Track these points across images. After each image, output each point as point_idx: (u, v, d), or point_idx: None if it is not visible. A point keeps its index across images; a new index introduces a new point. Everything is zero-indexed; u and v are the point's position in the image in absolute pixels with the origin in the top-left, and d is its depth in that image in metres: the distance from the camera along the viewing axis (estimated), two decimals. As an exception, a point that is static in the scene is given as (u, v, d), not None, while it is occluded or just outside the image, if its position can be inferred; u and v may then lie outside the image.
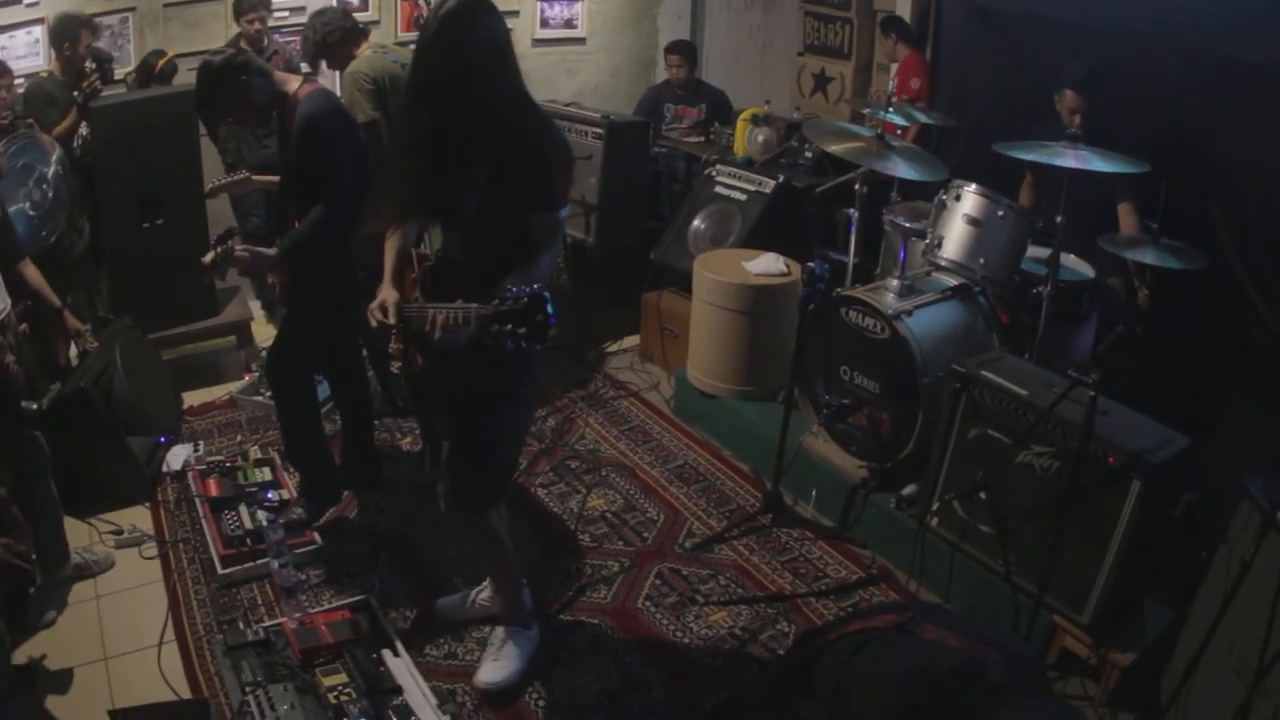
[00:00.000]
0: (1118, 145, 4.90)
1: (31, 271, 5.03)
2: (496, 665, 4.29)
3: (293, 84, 4.65)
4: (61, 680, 4.27)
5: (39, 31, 6.96)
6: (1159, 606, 4.26)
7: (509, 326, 3.21)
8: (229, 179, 5.25)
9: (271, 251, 4.63)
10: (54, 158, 5.77)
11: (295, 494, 5.33)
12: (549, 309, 3.18)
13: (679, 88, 8.66)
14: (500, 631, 4.39)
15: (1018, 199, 6.02)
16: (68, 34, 6.39)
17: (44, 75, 6.64)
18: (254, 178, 5.31)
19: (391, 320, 3.67)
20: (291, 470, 5.52)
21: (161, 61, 6.88)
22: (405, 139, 3.73)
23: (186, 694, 4.19)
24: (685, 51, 8.62)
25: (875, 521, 5.19)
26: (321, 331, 5.00)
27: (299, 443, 5.23)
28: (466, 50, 3.42)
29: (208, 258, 4.53)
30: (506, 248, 3.58)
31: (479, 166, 3.58)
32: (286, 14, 7.77)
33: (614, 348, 7.48)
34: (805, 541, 5.26)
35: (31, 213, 5.64)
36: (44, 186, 5.59)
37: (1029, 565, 4.36)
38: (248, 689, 3.94)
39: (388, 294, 3.75)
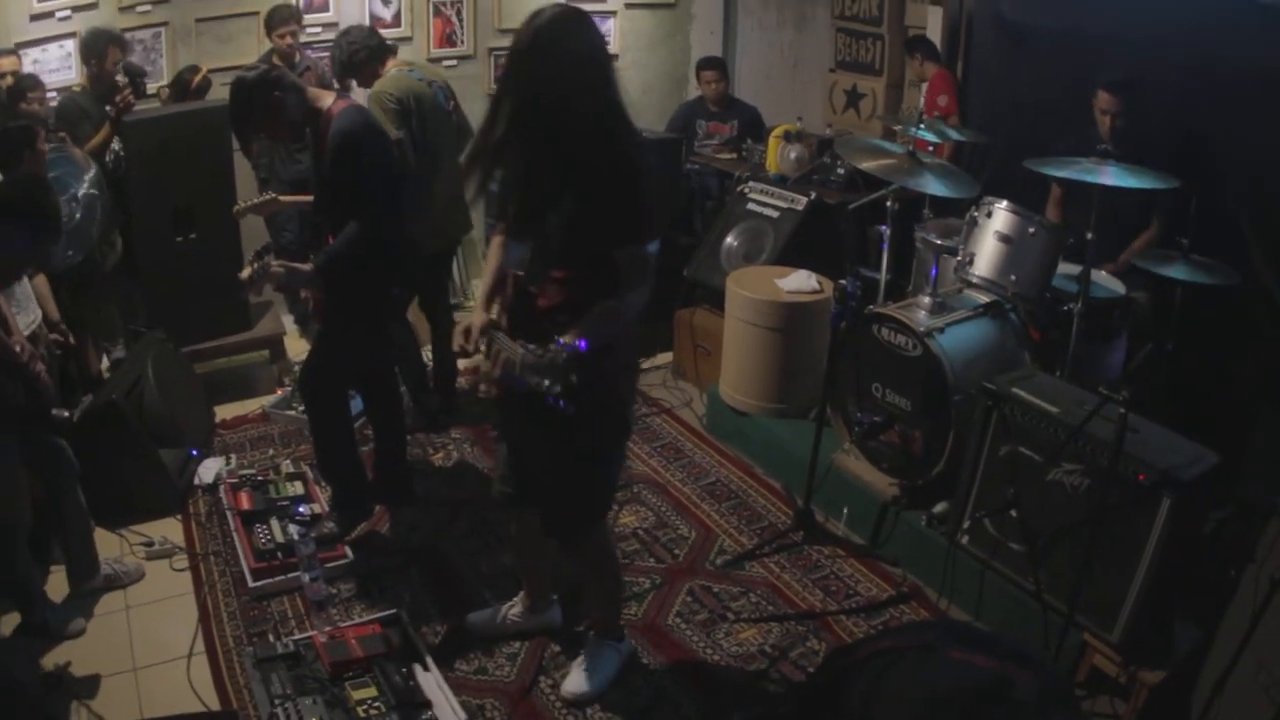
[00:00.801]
0: (1153, 161, 4.89)
1: (38, 280, 5.06)
2: (585, 676, 4.30)
3: (326, 100, 4.66)
4: (89, 690, 4.30)
5: (71, 45, 7.03)
6: (1189, 625, 4.24)
7: (546, 382, 3.17)
8: (256, 201, 5.25)
9: (307, 267, 4.65)
10: (88, 177, 5.77)
11: (327, 508, 5.34)
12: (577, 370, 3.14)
13: (713, 104, 8.64)
14: (591, 642, 4.40)
15: (1044, 213, 6.00)
16: (96, 50, 6.44)
17: (76, 89, 6.70)
18: (281, 198, 5.33)
19: (470, 347, 3.55)
20: (324, 484, 5.54)
21: (197, 78, 6.93)
22: (489, 152, 3.49)
23: (215, 706, 4.21)
24: (720, 67, 8.61)
25: (906, 539, 5.17)
26: (355, 347, 5.01)
27: (331, 457, 5.24)
28: (558, 70, 3.25)
29: (245, 273, 4.55)
30: (588, 280, 3.46)
31: (565, 190, 3.40)
32: (319, 30, 7.80)
33: (647, 364, 7.46)
34: (836, 559, 5.25)
35: None
36: (73, 205, 5.60)
37: (1059, 583, 4.34)
38: (277, 701, 3.95)
39: (476, 317, 3.63)
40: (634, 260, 3.45)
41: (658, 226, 3.54)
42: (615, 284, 3.44)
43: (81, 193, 5.68)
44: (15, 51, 6.54)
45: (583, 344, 3.23)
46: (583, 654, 4.38)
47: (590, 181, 3.35)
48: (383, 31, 7.04)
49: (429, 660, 4.34)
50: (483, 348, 3.52)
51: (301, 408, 6.02)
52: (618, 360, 3.67)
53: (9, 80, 6.08)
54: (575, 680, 4.29)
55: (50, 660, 4.43)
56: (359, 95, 5.87)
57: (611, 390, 3.70)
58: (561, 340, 3.19)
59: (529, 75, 3.28)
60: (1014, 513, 4.51)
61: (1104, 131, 5.65)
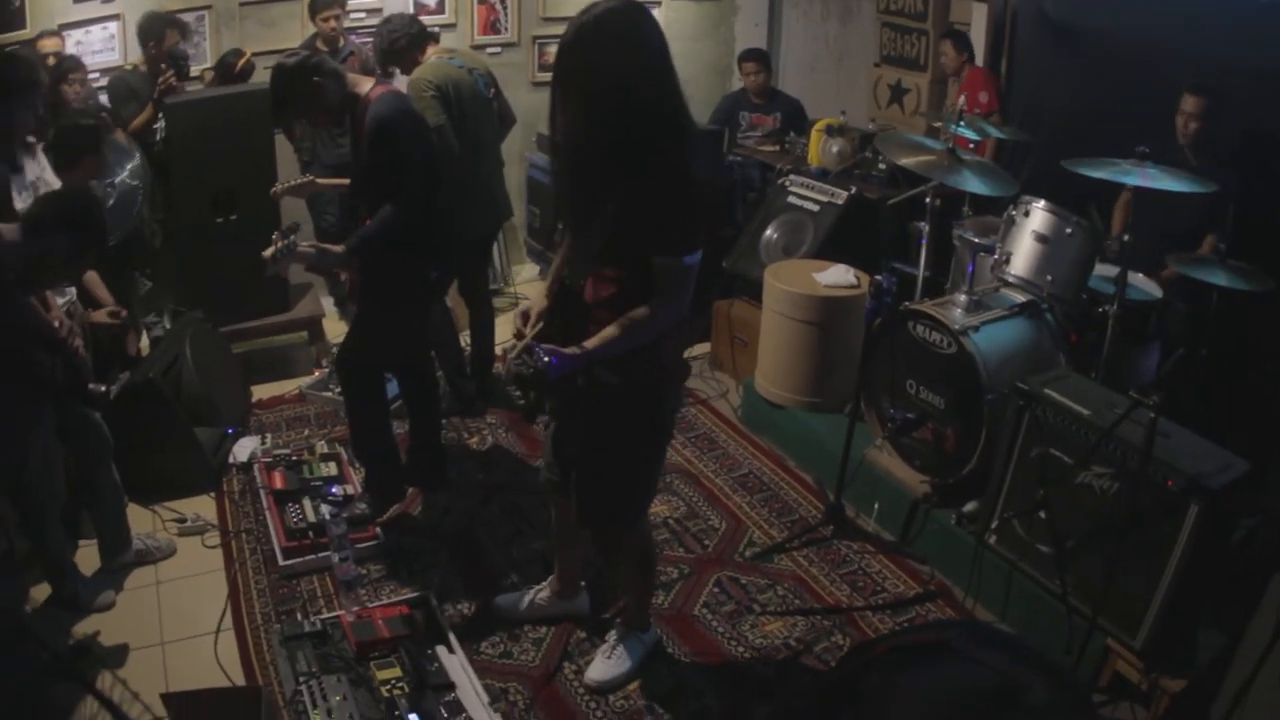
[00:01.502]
0: (1228, 170, 4.86)
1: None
2: (609, 663, 4.33)
3: (365, 85, 4.70)
4: (117, 660, 4.36)
5: (114, 27, 7.09)
6: (1213, 632, 4.21)
7: (516, 392, 3.15)
8: (294, 183, 5.27)
9: (339, 249, 4.69)
10: (130, 165, 5.83)
11: (360, 489, 5.38)
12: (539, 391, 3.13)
13: (755, 95, 8.62)
14: (617, 630, 4.42)
15: (1111, 215, 5.98)
16: (154, 32, 6.49)
17: (128, 69, 6.75)
18: (319, 181, 5.35)
19: (527, 330, 3.56)
20: (357, 466, 5.57)
21: (241, 62, 6.97)
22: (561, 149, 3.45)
23: (241, 681, 4.26)
24: (761, 59, 8.59)
25: (935, 537, 5.16)
26: (391, 330, 5.04)
27: (366, 439, 5.28)
28: (620, 59, 3.19)
29: (268, 251, 4.58)
30: (630, 281, 3.43)
31: (610, 193, 3.34)
32: (363, 15, 7.83)
33: (684, 354, 7.45)
34: (865, 555, 5.24)
35: None
36: (109, 190, 5.65)
37: (1085, 587, 4.32)
38: (302, 679, 4.00)
39: (533, 301, 3.68)
40: (669, 272, 3.39)
41: (701, 238, 3.44)
42: (652, 290, 3.42)
43: (119, 180, 5.73)
44: (59, 32, 6.59)
45: (554, 361, 3.24)
46: (608, 641, 4.39)
47: (631, 188, 3.30)
48: (427, 18, 7.05)
49: (454, 642, 4.37)
50: (526, 330, 3.58)
51: (338, 389, 6.05)
52: (659, 366, 3.65)
53: (51, 60, 6.13)
54: (599, 667, 4.32)
55: (80, 631, 4.50)
56: (401, 82, 5.89)
57: (649, 393, 3.70)
58: (538, 352, 3.20)
59: (589, 67, 3.21)
60: (1043, 514, 4.49)
61: (1180, 134, 5.54)
